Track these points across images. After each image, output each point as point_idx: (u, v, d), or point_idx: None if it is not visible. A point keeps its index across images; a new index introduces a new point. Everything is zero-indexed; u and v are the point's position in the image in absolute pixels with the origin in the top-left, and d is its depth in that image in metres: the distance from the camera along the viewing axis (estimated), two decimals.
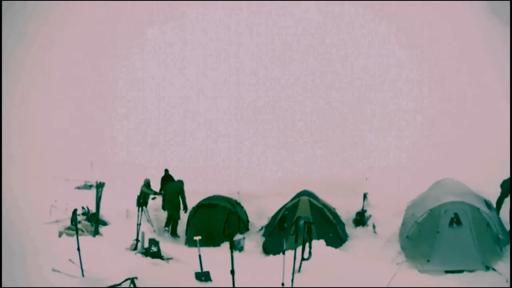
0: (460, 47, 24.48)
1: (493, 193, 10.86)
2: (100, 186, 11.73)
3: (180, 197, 13.07)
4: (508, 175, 11.33)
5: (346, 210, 12.46)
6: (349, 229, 11.75)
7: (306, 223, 7.20)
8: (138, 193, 13.44)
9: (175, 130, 27.20)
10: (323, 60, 27.99)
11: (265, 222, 12.59)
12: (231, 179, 18.29)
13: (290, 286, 6.70)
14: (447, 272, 8.43)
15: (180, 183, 13.31)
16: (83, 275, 7.67)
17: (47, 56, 23.75)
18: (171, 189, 13.29)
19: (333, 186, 13.42)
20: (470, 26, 24.26)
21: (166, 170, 16.03)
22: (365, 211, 12.42)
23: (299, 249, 7.27)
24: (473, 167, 16.03)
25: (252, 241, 11.60)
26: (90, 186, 16.91)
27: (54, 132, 23.51)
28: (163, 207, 13.51)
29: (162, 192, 14.16)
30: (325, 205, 11.37)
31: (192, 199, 13.03)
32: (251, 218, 13.32)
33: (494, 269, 8.18)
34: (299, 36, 29.15)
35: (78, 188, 17.79)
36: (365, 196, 12.73)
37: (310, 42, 28.76)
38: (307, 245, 7.29)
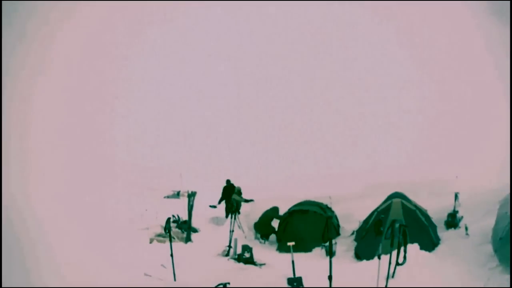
0: (460, 47, 24.48)
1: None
2: (192, 195, 12.47)
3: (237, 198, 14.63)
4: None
5: (435, 211, 12.02)
6: (440, 231, 11.30)
7: (401, 226, 6.89)
8: (230, 201, 14.07)
9: (175, 130, 27.17)
10: (323, 60, 27.96)
11: (353, 226, 12.30)
12: (317, 183, 18.05)
13: None
14: None
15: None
16: (175, 279, 7.86)
17: (47, 56, 23.72)
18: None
19: (420, 186, 12.97)
20: (470, 26, 24.25)
21: (228, 181, 16.18)
22: (457, 212, 11.90)
23: (393, 253, 6.98)
24: (473, 167, 16.04)
25: (343, 246, 11.28)
26: (179, 195, 17.24)
27: (54, 132, 23.48)
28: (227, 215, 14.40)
29: (253, 199, 15.14)
30: (417, 207, 10.97)
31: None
32: (340, 222, 13.21)
33: None
34: (299, 36, 29.12)
35: (168, 197, 17.95)
36: (456, 196, 12.12)
37: (310, 42, 28.74)
38: (401, 249, 6.97)
